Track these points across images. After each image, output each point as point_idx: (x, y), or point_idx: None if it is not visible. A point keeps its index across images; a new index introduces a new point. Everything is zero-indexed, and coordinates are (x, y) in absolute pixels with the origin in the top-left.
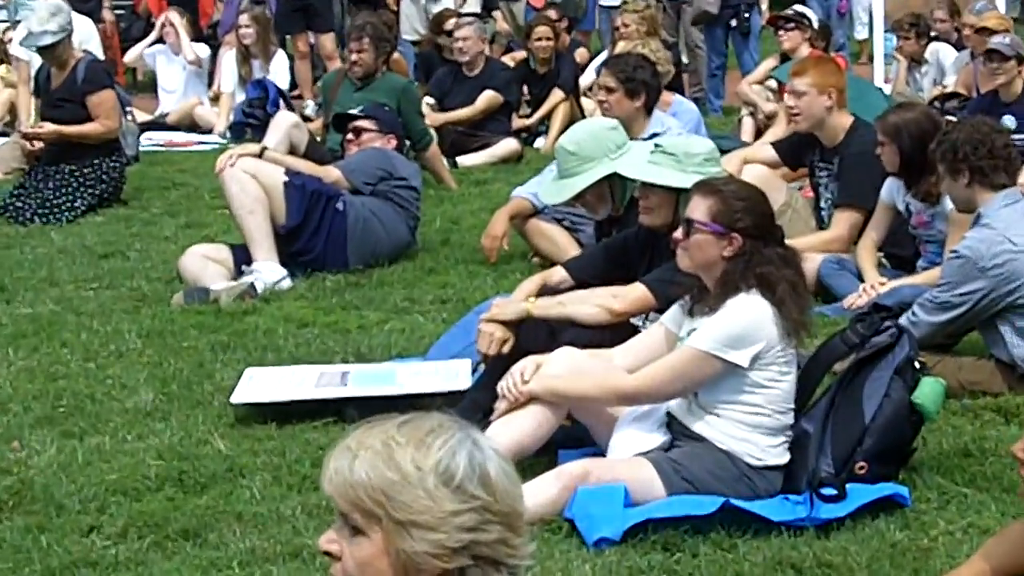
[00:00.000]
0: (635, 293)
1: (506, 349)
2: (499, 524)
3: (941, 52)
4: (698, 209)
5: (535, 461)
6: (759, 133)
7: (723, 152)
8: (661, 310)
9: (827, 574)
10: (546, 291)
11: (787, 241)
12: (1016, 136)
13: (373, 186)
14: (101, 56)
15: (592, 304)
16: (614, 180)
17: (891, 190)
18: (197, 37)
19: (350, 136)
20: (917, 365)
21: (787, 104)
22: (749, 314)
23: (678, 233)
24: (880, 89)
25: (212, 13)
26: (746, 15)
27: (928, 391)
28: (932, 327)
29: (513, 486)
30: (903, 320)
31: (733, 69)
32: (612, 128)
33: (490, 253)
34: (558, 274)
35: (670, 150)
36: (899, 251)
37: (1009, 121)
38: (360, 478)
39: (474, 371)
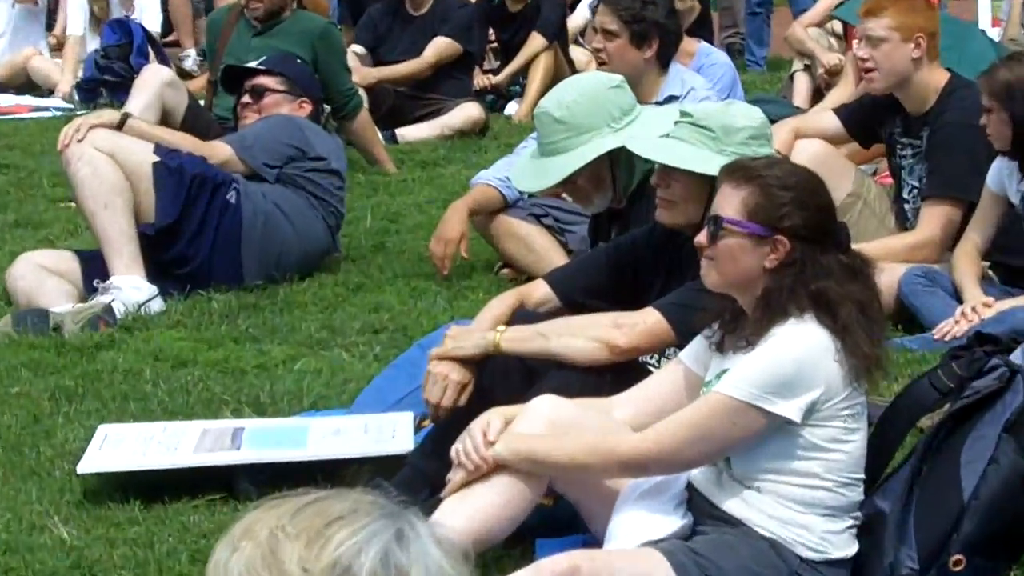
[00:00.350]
0: (646, 321)
1: (463, 399)
2: None
3: None
4: (729, 203)
5: (503, 554)
6: (818, 95)
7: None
8: (681, 345)
9: None
10: (521, 316)
11: (855, 246)
12: None
13: (279, 169)
14: None
15: (585, 336)
16: (617, 159)
17: (1000, 175)
18: None
19: (247, 99)
20: None
21: (858, 56)
22: (801, 348)
23: (701, 237)
24: (985, 33)
25: None
26: None
27: None
28: None
29: None
30: (1017, 356)
31: (782, 6)
32: (615, 86)
33: (442, 263)
34: (538, 292)
35: (702, 121)
36: (1011, 259)
37: None
38: None
39: (418, 429)
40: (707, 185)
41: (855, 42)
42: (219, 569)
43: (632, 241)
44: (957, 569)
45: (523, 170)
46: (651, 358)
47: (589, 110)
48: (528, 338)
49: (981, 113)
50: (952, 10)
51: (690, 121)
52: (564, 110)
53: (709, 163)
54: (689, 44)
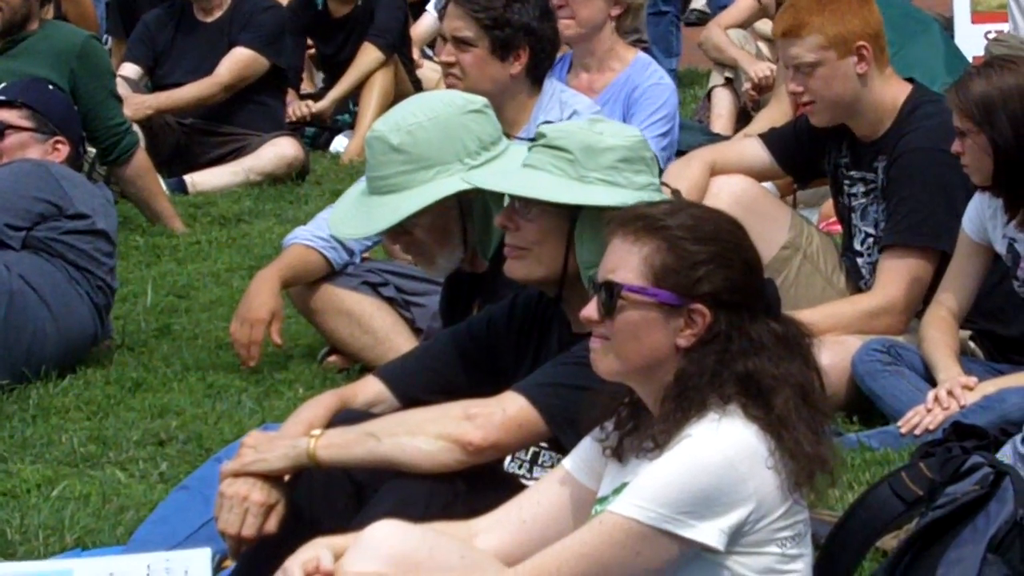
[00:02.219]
0: (506, 409)
1: (272, 525)
2: None
3: None
4: (626, 263)
5: None
6: (744, 117)
7: (676, 153)
8: (557, 437)
9: None
10: (343, 418)
11: (790, 312)
12: None
13: (26, 232)
14: None
15: (428, 433)
16: (469, 207)
17: (980, 217)
18: None
19: None
20: None
21: (791, 89)
22: (724, 452)
23: (590, 310)
24: (938, 24)
25: None
26: None
27: None
28: None
29: None
30: (1006, 453)
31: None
32: (475, 111)
33: (247, 351)
34: (368, 391)
35: (557, 142)
36: (998, 327)
37: None
38: None
39: (218, 570)
40: (566, 224)
41: (779, 68)
42: None
43: (488, 319)
44: None
45: (344, 212)
46: (520, 466)
47: (437, 138)
48: (353, 442)
49: (953, 137)
50: None
51: (544, 143)
52: (404, 135)
53: (563, 191)
54: (624, 48)
